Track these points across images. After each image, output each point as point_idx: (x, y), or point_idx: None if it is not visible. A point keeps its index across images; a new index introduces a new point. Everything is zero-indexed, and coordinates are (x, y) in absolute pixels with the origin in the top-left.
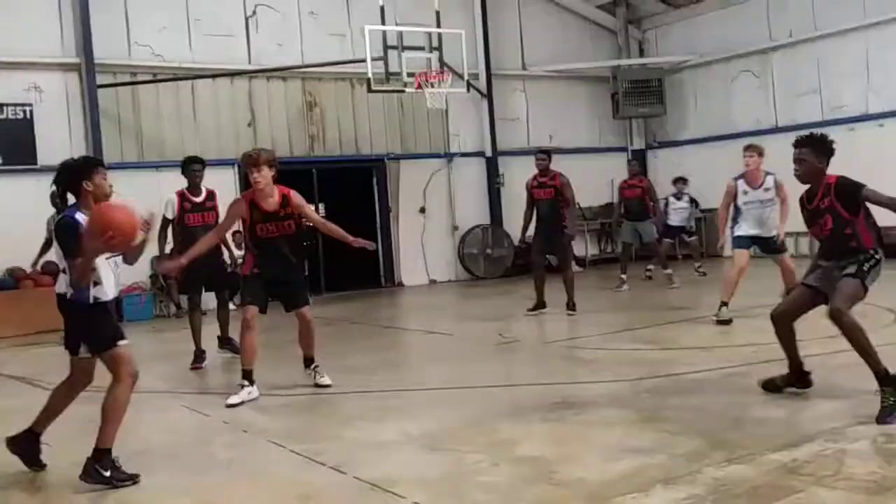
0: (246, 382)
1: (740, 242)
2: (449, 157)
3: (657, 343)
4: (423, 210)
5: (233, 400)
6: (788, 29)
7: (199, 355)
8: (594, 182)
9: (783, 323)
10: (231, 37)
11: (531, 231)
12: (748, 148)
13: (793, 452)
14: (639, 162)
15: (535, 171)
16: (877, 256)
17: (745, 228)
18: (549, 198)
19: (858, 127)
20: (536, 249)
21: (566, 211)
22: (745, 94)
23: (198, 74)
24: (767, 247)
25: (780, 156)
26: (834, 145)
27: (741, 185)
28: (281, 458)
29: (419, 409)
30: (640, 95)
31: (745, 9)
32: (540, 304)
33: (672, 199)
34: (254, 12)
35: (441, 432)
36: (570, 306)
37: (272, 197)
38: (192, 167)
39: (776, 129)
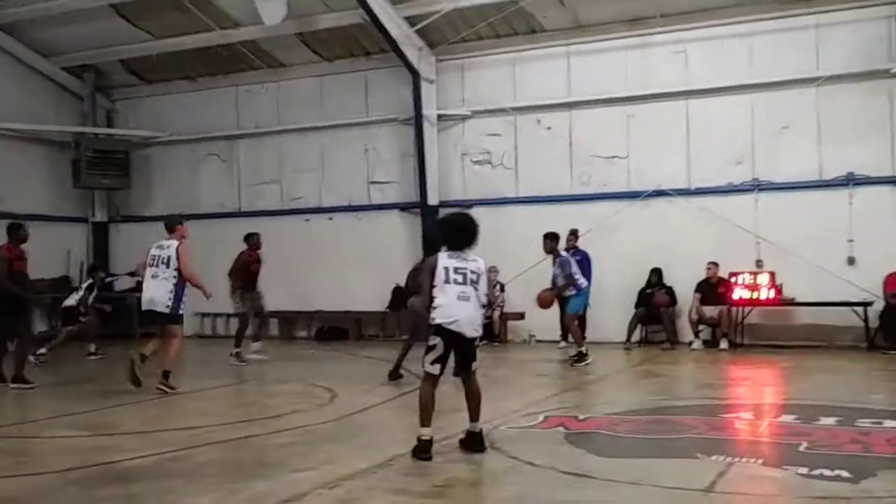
0: None
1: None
2: None
3: (94, 429)
4: None
5: None
6: (255, 120)
7: None
8: (50, 253)
9: None
10: None
11: None
12: None
13: None
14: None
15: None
16: None
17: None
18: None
19: (313, 218)
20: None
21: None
22: (212, 176)
23: None
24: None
25: (240, 240)
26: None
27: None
28: None
29: None
30: (104, 166)
31: (215, 95)
32: None
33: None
34: None
35: None
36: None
37: None
38: None
39: (239, 214)
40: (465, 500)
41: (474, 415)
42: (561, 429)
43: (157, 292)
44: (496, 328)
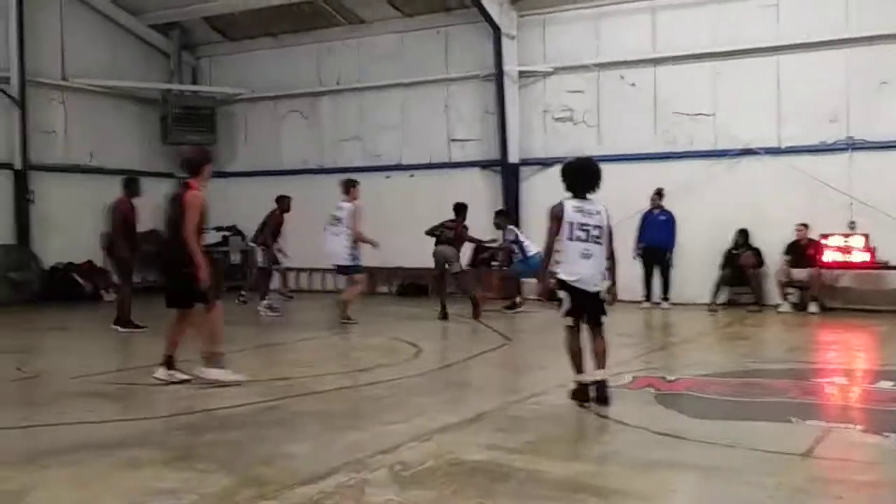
0: None
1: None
2: None
3: (195, 377)
4: None
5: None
6: (336, 77)
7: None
8: (140, 207)
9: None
10: None
11: None
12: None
13: (319, 485)
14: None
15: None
16: None
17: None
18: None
19: (394, 175)
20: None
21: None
22: (295, 132)
23: None
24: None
25: (323, 196)
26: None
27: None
28: None
29: None
30: (191, 122)
31: (297, 51)
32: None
33: None
34: None
35: None
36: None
37: None
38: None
39: (321, 170)
40: (557, 458)
41: (600, 363)
42: (650, 389)
43: (336, 248)
44: None
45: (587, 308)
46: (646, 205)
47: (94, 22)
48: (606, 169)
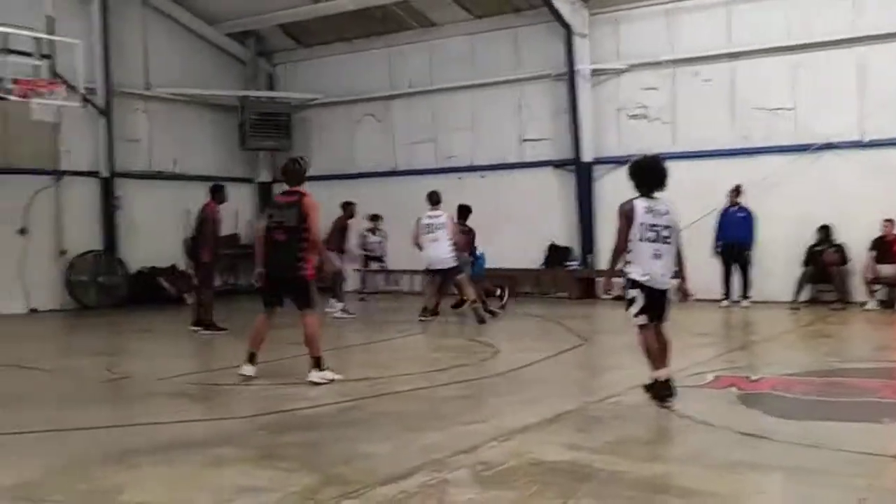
0: None
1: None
2: (58, 174)
3: (277, 377)
4: (23, 231)
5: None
6: (408, 80)
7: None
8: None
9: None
10: None
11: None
12: None
13: (400, 484)
14: None
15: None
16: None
17: None
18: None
19: (466, 176)
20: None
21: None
22: (368, 136)
23: None
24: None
25: (398, 197)
26: None
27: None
28: None
29: (6, 457)
30: (267, 128)
31: (370, 56)
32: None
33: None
34: None
35: (34, 482)
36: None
37: None
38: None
39: (394, 173)
40: (639, 458)
41: (665, 360)
42: (733, 389)
43: (441, 252)
44: None
45: (656, 306)
46: (723, 202)
47: (174, 33)
48: (682, 166)
